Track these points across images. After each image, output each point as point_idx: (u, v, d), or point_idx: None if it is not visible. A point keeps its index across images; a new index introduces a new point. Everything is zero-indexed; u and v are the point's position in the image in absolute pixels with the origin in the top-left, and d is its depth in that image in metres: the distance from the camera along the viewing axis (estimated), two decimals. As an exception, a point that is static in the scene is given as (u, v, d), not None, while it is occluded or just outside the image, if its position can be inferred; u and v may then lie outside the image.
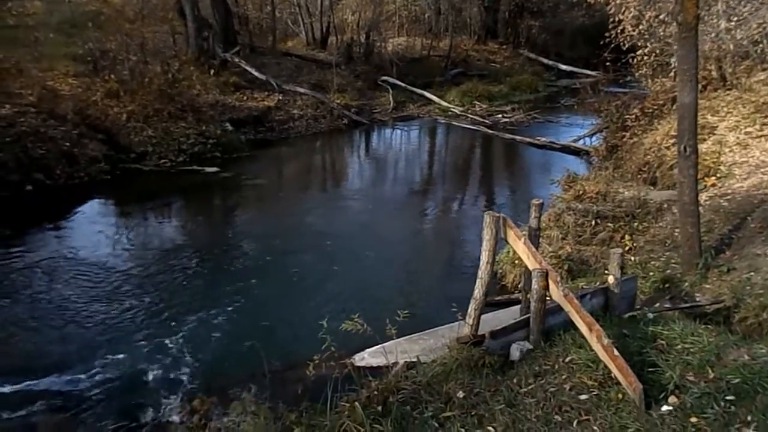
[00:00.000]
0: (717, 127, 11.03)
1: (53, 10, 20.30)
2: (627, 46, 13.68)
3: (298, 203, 12.62)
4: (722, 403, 3.97)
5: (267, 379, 5.31)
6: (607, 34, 13.97)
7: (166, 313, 7.67)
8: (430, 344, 6.15)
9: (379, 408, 4.46)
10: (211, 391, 5.92)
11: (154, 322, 7.45)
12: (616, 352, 4.30)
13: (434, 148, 19.02)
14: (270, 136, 17.82)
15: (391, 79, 22.68)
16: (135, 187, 13.07)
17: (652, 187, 10.51)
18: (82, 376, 6.38)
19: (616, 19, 13.28)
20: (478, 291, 5.31)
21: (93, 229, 10.53)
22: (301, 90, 19.51)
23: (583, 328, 4.65)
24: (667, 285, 6.87)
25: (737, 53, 12.19)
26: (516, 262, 7.99)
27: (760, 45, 11.69)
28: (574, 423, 4.12)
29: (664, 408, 4.06)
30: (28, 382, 6.22)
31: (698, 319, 5.53)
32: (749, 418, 3.81)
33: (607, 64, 16.70)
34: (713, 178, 9.72)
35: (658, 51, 12.87)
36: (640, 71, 13.64)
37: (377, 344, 5.76)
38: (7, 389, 6.13)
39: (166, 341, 7.00)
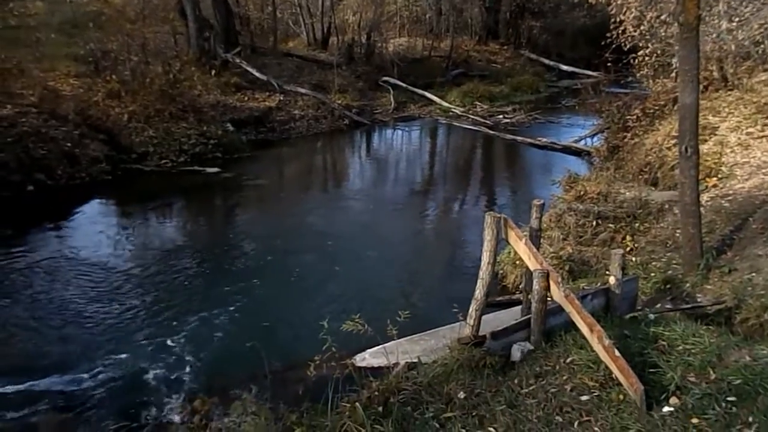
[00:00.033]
0: (718, 127, 11.02)
1: (55, 11, 20.33)
2: (628, 46, 13.67)
3: (299, 203, 12.63)
4: (723, 404, 3.97)
5: (268, 380, 5.32)
6: (608, 35, 13.95)
7: (167, 313, 7.68)
8: (431, 345, 6.15)
9: (380, 408, 4.46)
10: (212, 392, 5.92)
11: (155, 322, 7.46)
12: (617, 353, 4.29)
13: (435, 149, 19.02)
14: (271, 136, 17.83)
15: (392, 80, 22.68)
16: (136, 187, 13.08)
17: (653, 188, 10.50)
18: (84, 376, 6.39)
19: (618, 19, 13.27)
20: (479, 291, 5.30)
21: (94, 230, 10.55)
22: (302, 90, 19.52)
23: (584, 329, 4.65)
24: (668, 286, 6.86)
25: (739, 54, 12.18)
26: (517, 262, 7.99)
27: (762, 45, 11.68)
28: (575, 424, 4.11)
29: (666, 409, 4.05)
30: (29, 382, 6.23)
31: (699, 320, 5.53)
32: (750, 419, 3.80)
33: (609, 64, 16.71)
34: (714, 178, 9.71)
35: (659, 51, 12.86)
36: (641, 72, 13.63)
37: (378, 345, 5.76)
38: (8, 389, 6.14)
39: (167, 341, 7.01)
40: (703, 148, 9.63)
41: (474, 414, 4.36)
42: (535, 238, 5.80)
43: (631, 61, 13.95)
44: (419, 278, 8.87)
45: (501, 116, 20.68)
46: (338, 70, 21.49)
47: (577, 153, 15.60)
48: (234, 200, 12.93)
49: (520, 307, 6.46)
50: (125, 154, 14.18)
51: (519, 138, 17.49)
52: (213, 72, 18.51)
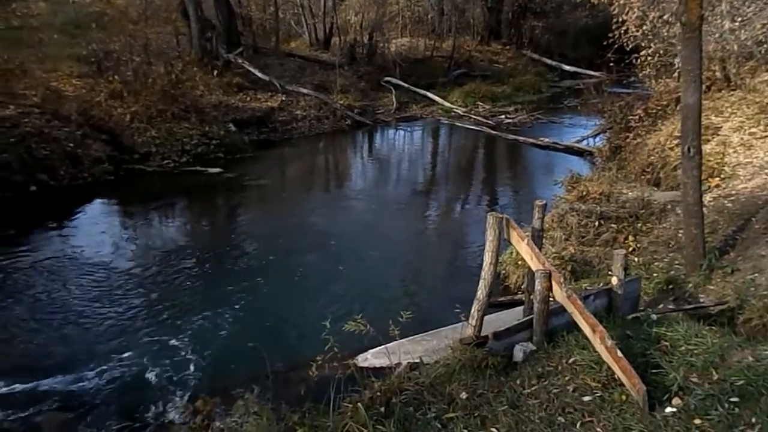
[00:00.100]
0: (721, 127, 11.00)
1: (57, 11, 20.36)
2: (630, 46, 13.64)
3: (301, 204, 12.64)
4: (726, 405, 3.96)
5: (270, 380, 5.32)
6: (610, 35, 13.92)
7: (169, 313, 7.69)
8: (433, 345, 6.14)
9: (382, 409, 4.46)
10: (214, 392, 5.93)
11: (157, 322, 7.47)
12: (619, 354, 4.29)
13: (437, 149, 19.01)
14: (273, 136, 17.85)
15: (394, 80, 22.69)
16: (138, 187, 13.10)
17: (655, 188, 10.49)
18: (86, 376, 6.40)
19: (620, 19, 13.24)
20: (481, 292, 5.30)
21: (97, 230, 10.56)
22: (304, 91, 19.53)
23: (587, 330, 4.64)
24: (670, 286, 6.85)
25: (741, 54, 12.15)
26: (519, 263, 7.97)
27: (765, 45, 11.64)
28: (578, 424, 4.11)
29: (668, 409, 4.05)
30: (32, 382, 6.24)
31: (702, 321, 5.52)
32: (753, 419, 3.80)
33: (611, 64, 16.62)
34: (717, 179, 9.69)
35: (661, 51, 12.84)
36: (643, 72, 13.61)
37: (380, 345, 5.75)
38: (11, 389, 6.16)
39: (170, 341, 7.02)
40: (706, 148, 9.62)
41: (476, 414, 4.35)
42: (538, 239, 5.79)
43: (634, 61, 13.93)
44: (421, 278, 8.87)
45: (503, 116, 20.67)
46: (340, 71, 21.50)
47: (580, 153, 15.58)
48: (236, 200, 12.94)
49: (522, 307, 6.45)
50: (127, 154, 14.21)
51: (521, 138, 17.48)
52: (215, 72, 18.53)
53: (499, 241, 5.26)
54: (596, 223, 8.84)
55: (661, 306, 6.41)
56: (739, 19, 11.26)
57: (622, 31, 13.38)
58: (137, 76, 15.81)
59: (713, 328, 5.15)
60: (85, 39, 17.27)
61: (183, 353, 6.82)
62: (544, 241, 6.98)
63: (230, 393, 5.90)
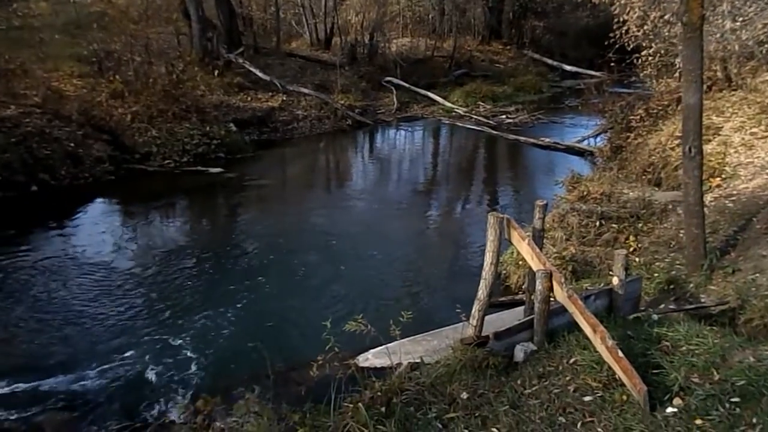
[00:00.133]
0: (722, 127, 10.99)
1: (58, 11, 20.37)
2: (632, 46, 13.63)
3: (302, 203, 12.64)
4: (727, 405, 3.96)
5: (271, 380, 5.31)
6: (611, 35, 13.92)
7: (170, 312, 7.69)
8: (434, 345, 6.14)
9: (383, 409, 4.46)
10: (215, 392, 5.90)
11: (158, 322, 7.47)
12: (620, 354, 4.29)
13: (438, 149, 19.00)
14: (274, 136, 17.85)
15: (395, 80, 22.67)
16: (139, 187, 13.10)
17: (656, 188, 10.49)
18: (87, 376, 6.40)
19: (621, 19, 13.23)
20: (482, 292, 5.30)
21: (97, 230, 10.57)
22: (305, 91, 19.52)
23: (588, 330, 4.64)
24: (671, 286, 6.84)
25: (742, 54, 12.13)
26: (520, 263, 7.97)
27: (766, 45, 11.62)
28: (579, 425, 4.11)
29: (669, 410, 4.05)
30: (33, 382, 6.24)
31: (703, 321, 5.52)
32: (754, 420, 3.80)
33: (612, 64, 16.62)
34: (718, 179, 9.68)
35: (662, 51, 12.83)
36: (644, 72, 13.62)
37: (381, 345, 5.75)
38: (12, 388, 6.16)
39: (170, 341, 7.02)
40: (707, 148, 9.61)
41: (477, 414, 4.36)
42: (538, 239, 5.79)
43: (635, 61, 13.93)
44: (422, 278, 8.87)
45: (504, 116, 20.66)
46: (341, 71, 21.50)
47: (580, 153, 15.56)
48: (237, 200, 12.94)
49: (523, 307, 6.45)
50: (128, 154, 14.22)
51: (522, 138, 17.47)
52: (216, 72, 18.52)
53: (499, 241, 5.26)
54: (597, 223, 8.84)
55: (662, 306, 6.41)
56: (741, 18, 11.24)
57: (623, 31, 13.37)
58: (138, 76, 15.81)
59: (714, 328, 5.15)
60: (86, 39, 17.27)
61: (184, 353, 6.83)
62: (544, 241, 6.98)
63: (231, 393, 5.90)
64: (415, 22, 29.60)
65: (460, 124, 19.97)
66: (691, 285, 6.71)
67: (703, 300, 6.44)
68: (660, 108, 12.97)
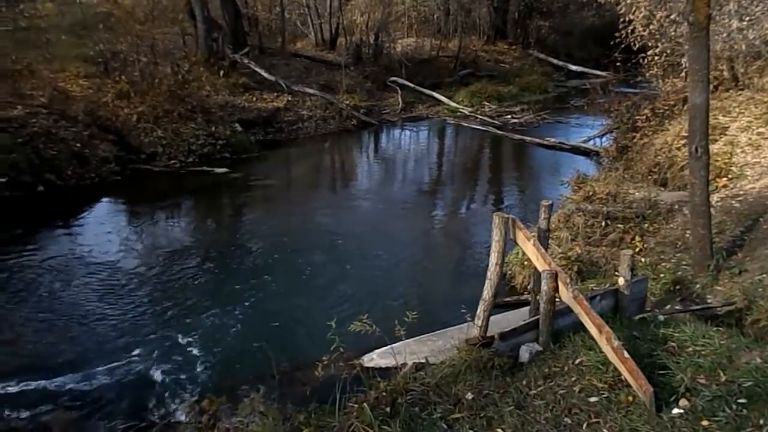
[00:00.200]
0: (728, 127, 10.94)
1: (65, 12, 20.46)
2: (637, 46, 13.59)
3: (308, 203, 12.66)
4: (734, 406, 3.94)
5: (276, 380, 5.33)
6: (617, 34, 13.87)
7: (175, 312, 7.72)
8: (439, 345, 6.13)
9: (388, 409, 4.46)
10: (220, 391, 5.93)
11: (163, 322, 7.50)
12: (626, 354, 4.28)
13: (443, 149, 19.00)
14: (279, 136, 17.88)
15: (400, 80, 22.67)
16: (145, 187, 13.14)
17: (662, 188, 10.45)
18: (93, 375, 6.42)
19: (627, 19, 13.19)
20: (487, 292, 5.30)
21: (103, 230, 10.61)
22: (310, 91, 19.55)
23: (593, 330, 4.63)
24: (677, 287, 6.82)
25: (749, 53, 12.07)
26: (525, 263, 7.97)
27: (773, 45, 11.59)
28: (584, 425, 4.10)
29: (675, 411, 4.03)
30: (40, 381, 6.27)
31: (709, 321, 5.50)
32: (761, 421, 3.78)
33: (618, 64, 16.60)
34: (725, 179, 9.65)
35: (668, 51, 12.78)
36: (650, 71, 13.56)
37: (386, 345, 5.76)
38: (20, 388, 6.19)
39: (176, 341, 7.05)
40: (714, 148, 9.57)
41: (482, 415, 4.35)
42: (544, 239, 5.78)
43: (641, 60, 13.87)
44: (427, 278, 8.87)
45: (509, 116, 20.63)
46: (346, 71, 21.52)
47: (586, 153, 15.53)
48: (242, 200, 12.96)
49: (528, 308, 6.44)
50: (134, 154, 14.26)
51: (527, 138, 17.45)
52: (221, 73, 18.57)
53: (505, 242, 5.26)
54: (603, 224, 8.81)
55: (668, 307, 6.39)
56: (747, 18, 11.18)
57: (629, 31, 13.33)
58: (144, 77, 15.86)
59: (721, 329, 5.12)
60: (92, 39, 17.31)
61: (189, 352, 6.85)
62: (550, 241, 6.98)
63: (236, 392, 5.92)
64: (420, 22, 29.60)
65: (465, 124, 19.95)
66: (698, 285, 6.69)
67: (709, 301, 6.42)
68: (666, 108, 12.91)
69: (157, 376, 6.45)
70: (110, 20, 17.24)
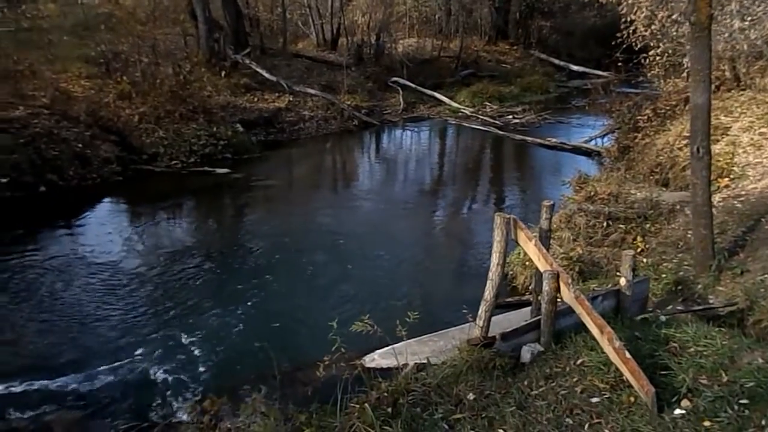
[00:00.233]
0: (730, 127, 10.93)
1: (66, 13, 20.46)
2: (639, 46, 13.59)
3: (309, 203, 12.66)
4: (736, 407, 3.94)
5: (277, 380, 5.33)
6: (618, 35, 13.88)
7: (177, 312, 7.73)
8: (441, 346, 6.13)
9: (389, 409, 4.46)
10: (222, 392, 5.93)
11: (165, 322, 7.50)
12: (627, 355, 4.27)
13: (445, 149, 19.00)
14: (281, 137, 17.88)
15: (401, 80, 22.66)
16: (147, 188, 13.15)
17: (664, 189, 10.44)
18: (95, 375, 6.43)
19: (628, 19, 13.19)
20: (489, 292, 5.29)
21: (105, 230, 10.62)
22: (312, 91, 19.54)
23: (595, 331, 4.63)
24: (679, 287, 6.81)
25: (751, 53, 12.07)
26: (527, 263, 7.96)
27: (775, 45, 11.58)
28: (586, 426, 4.09)
29: (677, 411, 4.03)
30: (40, 381, 6.28)
31: (711, 322, 5.49)
32: (763, 422, 3.77)
33: (619, 64, 16.62)
34: (726, 179, 9.64)
35: (670, 51, 12.78)
36: (652, 72, 13.55)
37: (387, 345, 5.76)
38: (21, 388, 6.19)
39: (177, 341, 7.05)
40: (715, 148, 9.57)
41: (483, 415, 4.35)
42: (545, 239, 5.78)
43: (642, 60, 13.88)
44: (429, 278, 8.87)
45: (511, 116, 20.61)
46: (347, 71, 21.50)
47: (588, 153, 15.52)
48: (244, 200, 12.97)
49: (529, 308, 6.43)
50: (136, 154, 14.26)
51: (529, 138, 17.43)
52: (223, 73, 18.57)
53: (506, 242, 5.25)
54: (604, 224, 8.81)
55: (669, 307, 6.38)
56: (749, 18, 11.18)
57: (631, 31, 13.33)
58: (145, 77, 15.87)
59: (722, 329, 5.11)
60: (93, 40, 17.34)
61: (191, 352, 6.85)
62: (551, 241, 6.98)
63: (238, 393, 5.93)
64: (421, 23, 29.58)
65: (467, 125, 19.94)
66: (699, 286, 6.68)
67: (711, 301, 6.41)
68: (668, 108, 12.91)
69: (159, 376, 6.45)
70: (112, 21, 17.26)
